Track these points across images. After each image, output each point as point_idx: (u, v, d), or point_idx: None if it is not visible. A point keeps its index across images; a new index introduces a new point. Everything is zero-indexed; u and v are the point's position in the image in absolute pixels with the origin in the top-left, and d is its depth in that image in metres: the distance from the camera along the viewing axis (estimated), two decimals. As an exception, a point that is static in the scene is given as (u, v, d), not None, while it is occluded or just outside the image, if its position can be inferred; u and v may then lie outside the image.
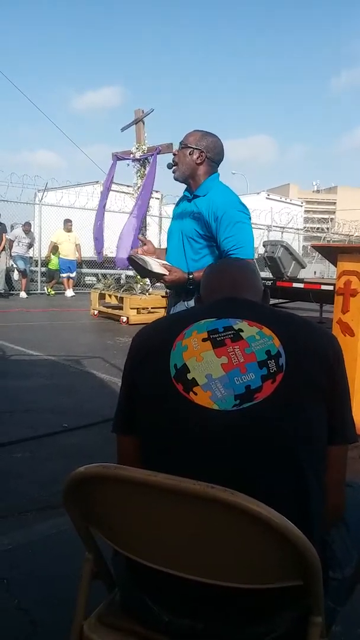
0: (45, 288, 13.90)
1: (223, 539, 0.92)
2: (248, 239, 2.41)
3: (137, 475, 0.91)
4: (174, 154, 2.56)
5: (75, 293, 13.63)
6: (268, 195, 20.85)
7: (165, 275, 2.43)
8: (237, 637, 1.02)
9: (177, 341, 1.12)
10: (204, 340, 1.10)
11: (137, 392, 1.16)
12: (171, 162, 2.56)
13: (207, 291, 1.37)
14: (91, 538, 1.12)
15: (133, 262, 2.46)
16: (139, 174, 9.49)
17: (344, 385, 1.13)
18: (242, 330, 1.10)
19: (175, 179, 2.56)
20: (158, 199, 15.62)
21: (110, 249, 15.07)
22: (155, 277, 2.51)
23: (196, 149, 2.48)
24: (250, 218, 2.48)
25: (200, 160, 2.49)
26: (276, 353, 1.06)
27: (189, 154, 2.49)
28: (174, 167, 2.55)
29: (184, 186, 2.62)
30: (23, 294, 12.72)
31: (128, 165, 9.61)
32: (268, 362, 1.05)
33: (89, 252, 13.07)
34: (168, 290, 2.81)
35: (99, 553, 1.15)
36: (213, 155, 2.51)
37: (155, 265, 2.45)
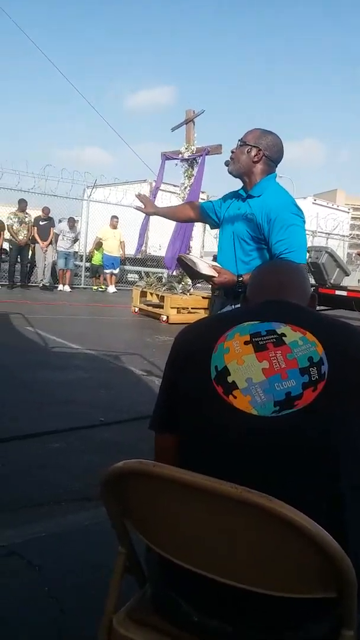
0: (99, 283, 14.04)
1: (255, 545, 0.91)
2: (300, 242, 2.35)
3: (174, 474, 0.92)
4: (232, 152, 2.51)
5: (117, 289, 13.78)
6: (314, 200, 20.53)
7: (214, 277, 2.40)
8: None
9: (219, 343, 1.12)
10: (245, 343, 1.09)
11: (176, 392, 1.17)
12: (228, 159, 2.52)
13: (253, 291, 1.36)
14: (125, 533, 1.12)
15: (182, 263, 2.45)
16: (186, 174, 9.53)
17: None
18: (285, 335, 1.08)
19: (229, 172, 2.51)
20: (204, 199, 15.62)
21: (154, 248, 15.21)
22: (204, 279, 2.48)
23: (254, 146, 2.43)
24: (304, 222, 2.42)
25: (257, 158, 2.44)
26: (319, 360, 1.05)
27: (247, 151, 2.44)
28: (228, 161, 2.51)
29: (233, 187, 2.59)
30: (67, 288, 12.92)
31: (176, 165, 9.66)
32: (310, 369, 1.04)
33: (132, 250, 13.19)
34: (212, 292, 2.80)
35: (132, 548, 1.16)
36: (271, 154, 2.45)
37: (204, 266, 2.43)
